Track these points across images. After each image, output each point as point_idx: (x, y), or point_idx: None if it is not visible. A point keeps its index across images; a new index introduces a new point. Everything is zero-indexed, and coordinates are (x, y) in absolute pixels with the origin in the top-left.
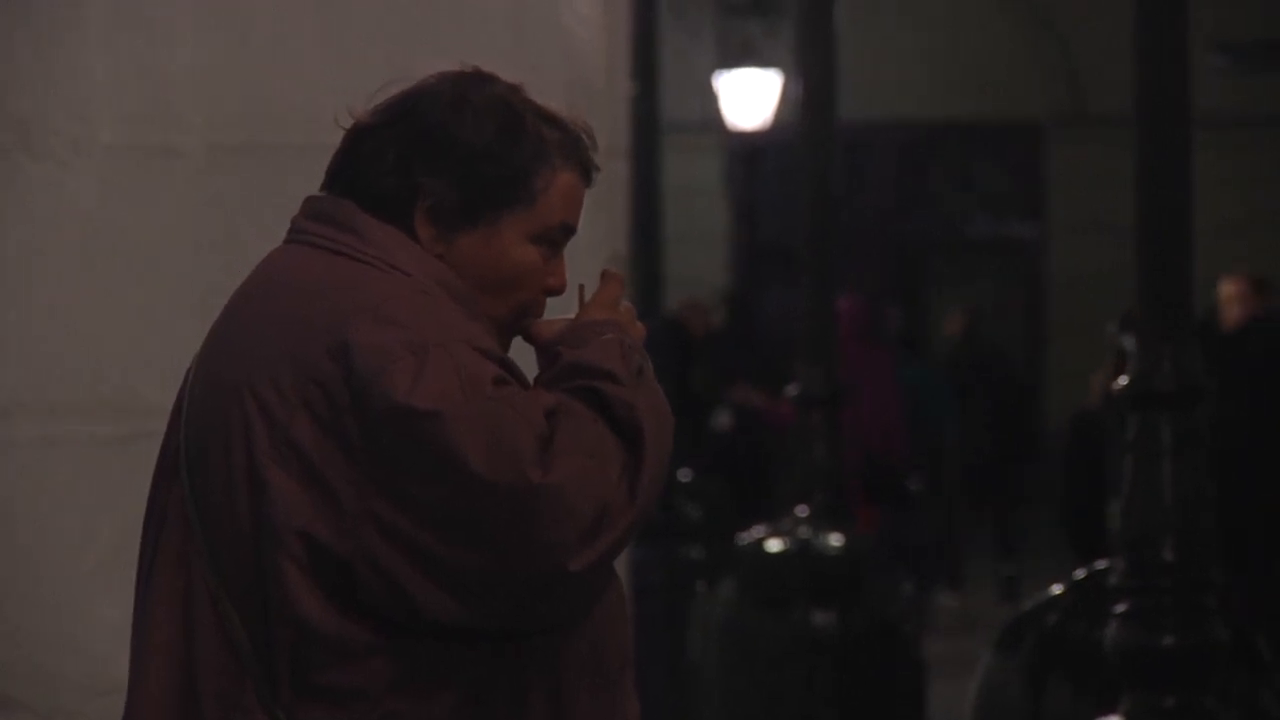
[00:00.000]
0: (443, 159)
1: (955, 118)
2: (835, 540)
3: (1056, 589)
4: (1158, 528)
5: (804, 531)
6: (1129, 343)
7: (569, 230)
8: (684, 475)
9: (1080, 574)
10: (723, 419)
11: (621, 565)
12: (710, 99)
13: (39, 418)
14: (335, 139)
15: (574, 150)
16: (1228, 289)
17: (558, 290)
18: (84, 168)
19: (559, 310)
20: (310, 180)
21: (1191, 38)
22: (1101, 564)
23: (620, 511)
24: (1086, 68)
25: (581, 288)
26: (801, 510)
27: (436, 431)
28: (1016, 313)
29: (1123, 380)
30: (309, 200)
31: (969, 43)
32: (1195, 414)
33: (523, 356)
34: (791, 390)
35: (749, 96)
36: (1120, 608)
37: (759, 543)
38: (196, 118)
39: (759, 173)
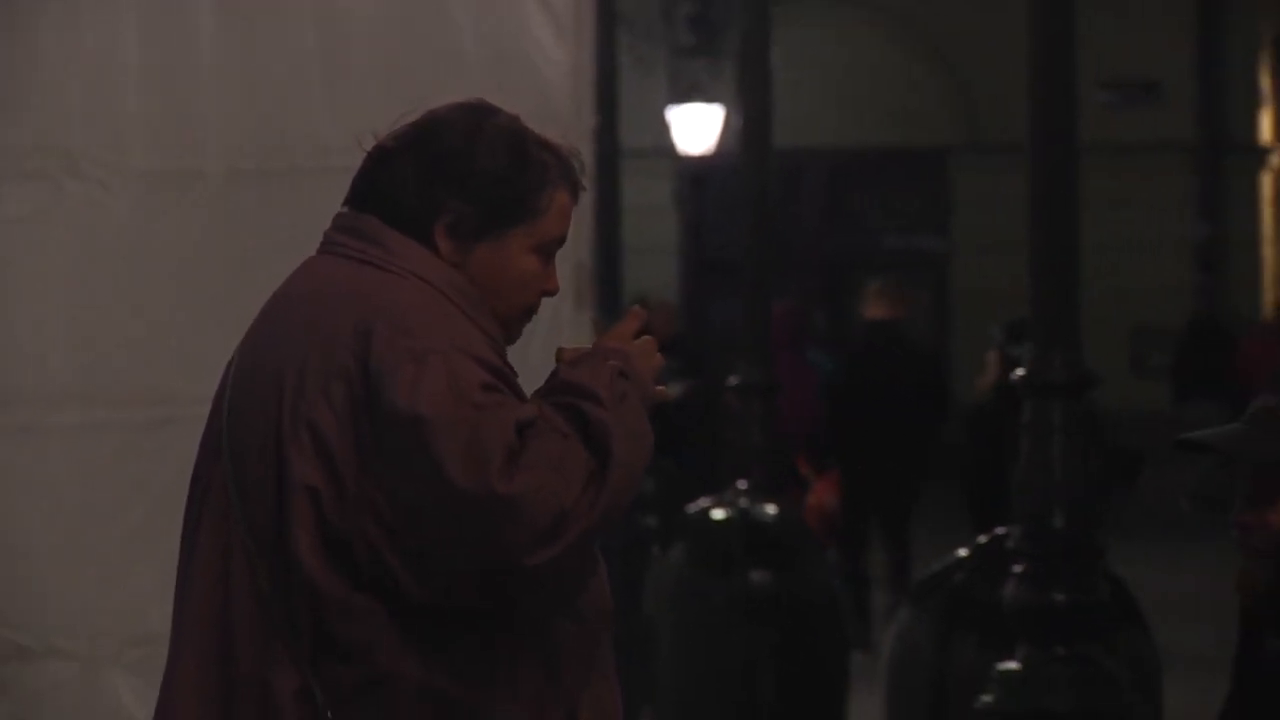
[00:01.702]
0: (461, 183)
1: (874, 146)
2: (770, 510)
3: (962, 552)
4: (1049, 499)
5: (743, 502)
6: (1011, 347)
7: (561, 241)
8: None
9: (983, 539)
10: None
11: None
12: (663, 129)
13: (83, 406)
14: (336, 162)
15: (567, 173)
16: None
17: (553, 293)
18: (120, 189)
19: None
20: (313, 198)
21: (1078, 76)
22: (1001, 530)
23: (579, 518)
24: (986, 102)
25: (596, 321)
26: (741, 484)
27: (423, 435)
28: (925, 318)
29: (1018, 373)
30: (339, 216)
31: (887, 82)
32: (1081, 401)
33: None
34: (732, 381)
35: (696, 127)
36: (1017, 568)
37: (705, 512)
38: (216, 145)
39: (705, 194)
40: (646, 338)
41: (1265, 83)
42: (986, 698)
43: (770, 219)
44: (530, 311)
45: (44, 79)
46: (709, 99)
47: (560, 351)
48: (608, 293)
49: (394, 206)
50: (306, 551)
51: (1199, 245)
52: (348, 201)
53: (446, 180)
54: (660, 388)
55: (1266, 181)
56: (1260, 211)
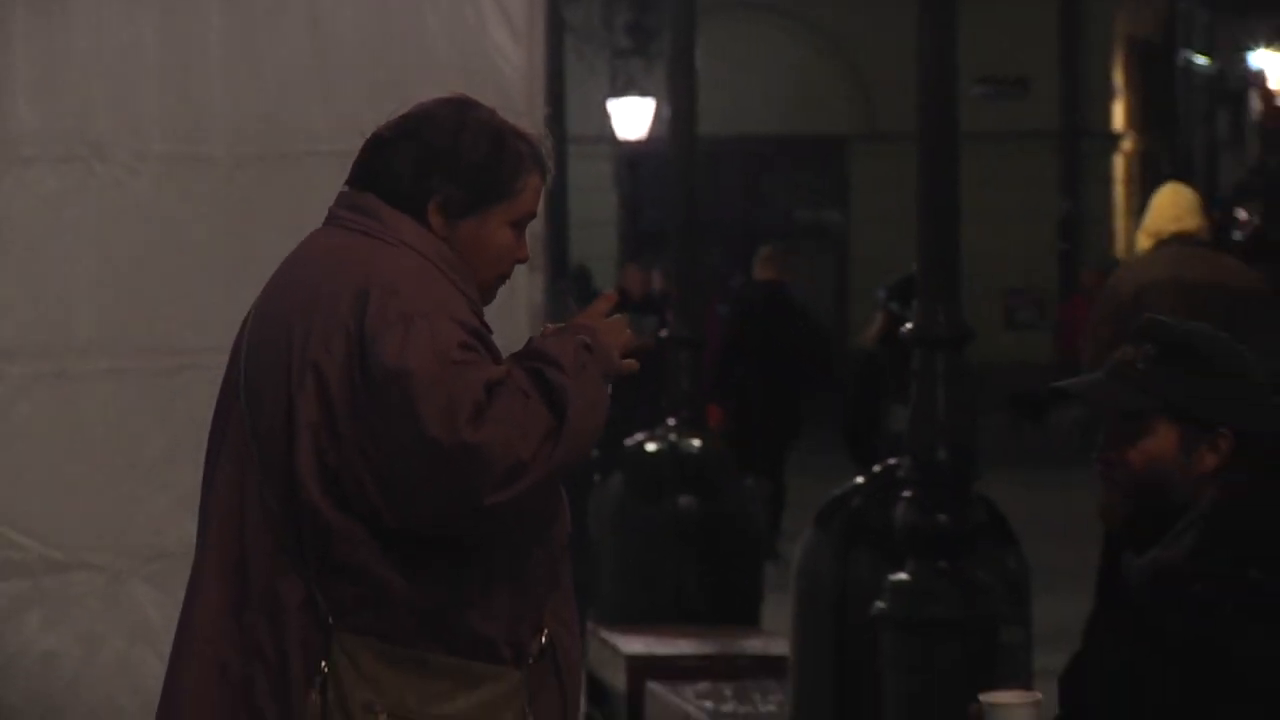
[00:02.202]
0: (450, 169)
1: (784, 134)
2: (695, 444)
3: (860, 480)
4: (933, 435)
5: (673, 437)
6: (892, 303)
7: (533, 216)
8: None
9: (877, 468)
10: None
11: None
12: (604, 119)
13: (108, 356)
14: (325, 148)
15: (538, 159)
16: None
17: (524, 261)
18: (142, 171)
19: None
20: (305, 179)
21: (959, 73)
22: (891, 461)
23: (536, 468)
24: (880, 97)
25: (572, 303)
26: (671, 421)
27: (406, 387)
28: (827, 281)
29: (907, 327)
30: (342, 194)
31: (795, 79)
32: (962, 353)
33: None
34: (663, 334)
35: (632, 117)
36: (906, 494)
37: (640, 445)
38: (223, 133)
39: (639, 174)
40: (617, 317)
41: (1118, 78)
42: (880, 604)
43: (695, 196)
44: (504, 277)
45: (75, 75)
46: (643, 93)
47: (544, 328)
48: (555, 259)
49: (392, 187)
50: (308, 480)
51: (1061, 218)
52: (349, 182)
53: (437, 166)
54: (626, 361)
55: (1119, 163)
56: (1113, 189)
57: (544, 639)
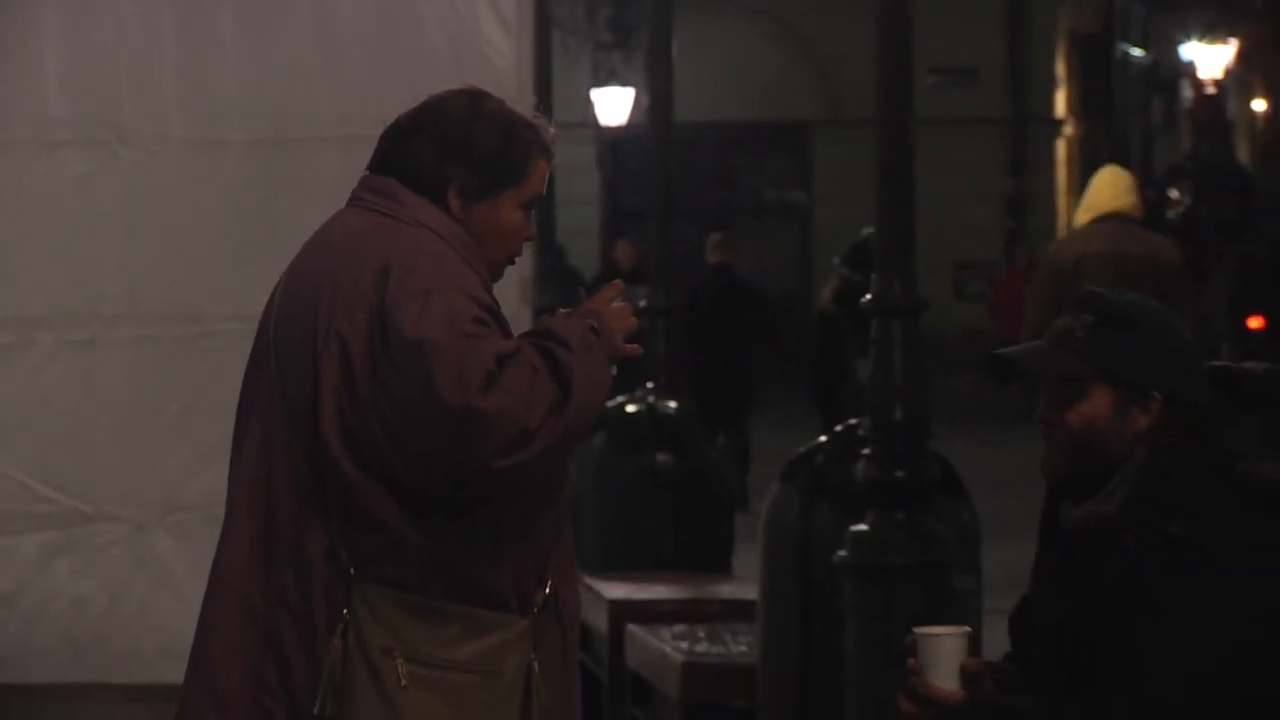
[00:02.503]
0: (466, 156)
1: (753, 120)
2: (671, 405)
3: (823, 438)
4: (891, 396)
5: (651, 399)
6: (845, 269)
7: (540, 198)
8: None
9: (839, 427)
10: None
11: None
12: (587, 107)
13: (133, 324)
14: (329, 133)
15: (544, 145)
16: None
17: (531, 240)
18: (163, 155)
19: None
20: (310, 161)
21: (914, 64)
22: (852, 420)
23: (542, 437)
24: (841, 85)
25: (582, 289)
26: (649, 384)
27: (423, 356)
28: (792, 256)
29: (867, 298)
30: (364, 178)
31: (763, 70)
32: (917, 322)
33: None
34: (641, 303)
35: (613, 105)
36: (866, 451)
37: (620, 406)
38: (237, 119)
39: (620, 157)
40: (622, 304)
41: (1061, 68)
42: (842, 553)
43: (671, 177)
44: (514, 256)
45: (101, 67)
46: (623, 83)
47: (556, 312)
48: (543, 236)
49: (413, 173)
50: (332, 440)
51: (1007, 198)
52: (370, 167)
53: (454, 154)
54: (630, 346)
55: (1061, 147)
56: (1056, 171)
57: (547, 590)
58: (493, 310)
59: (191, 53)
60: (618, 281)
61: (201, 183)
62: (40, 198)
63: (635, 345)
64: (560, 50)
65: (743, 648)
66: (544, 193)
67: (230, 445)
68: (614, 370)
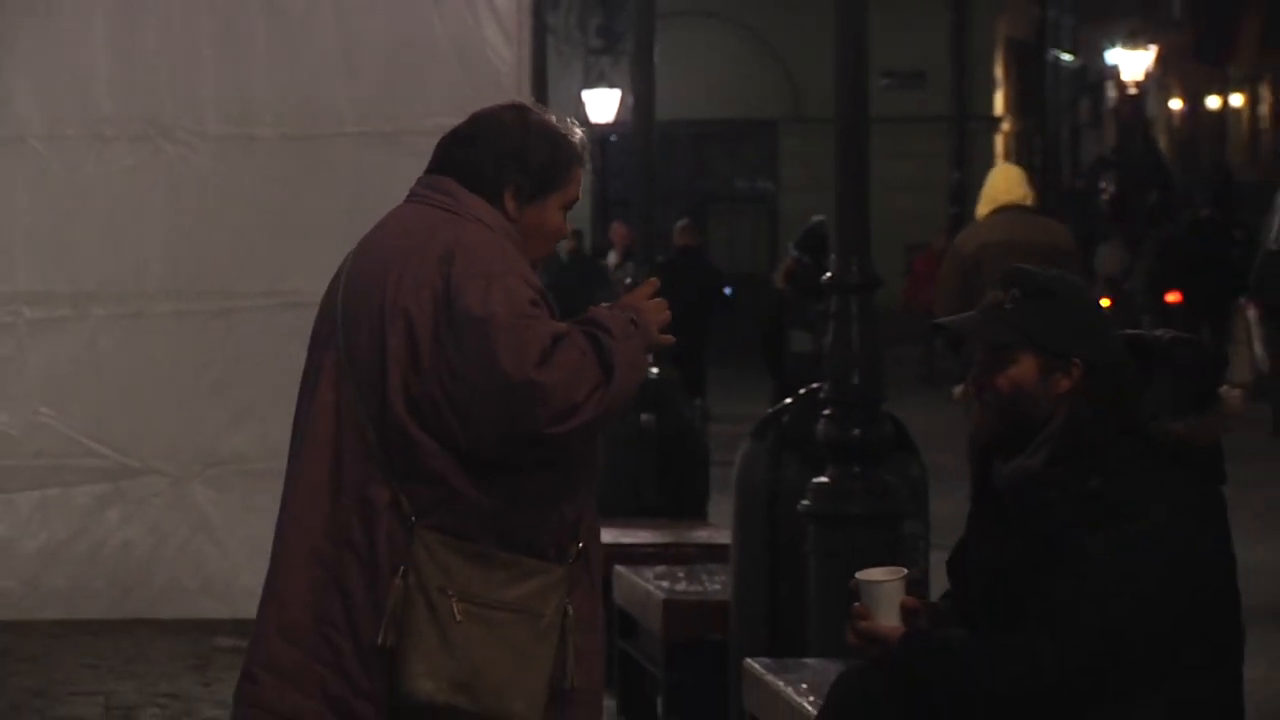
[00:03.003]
0: (522, 163)
1: (726, 117)
2: (654, 370)
3: (789, 400)
4: (849, 363)
5: None
6: (796, 252)
7: (577, 200)
8: None
9: (803, 390)
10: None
11: None
12: (579, 105)
13: (174, 299)
14: (350, 130)
15: (581, 153)
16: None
17: (564, 237)
18: (201, 149)
19: None
20: (335, 155)
21: (869, 67)
22: (815, 385)
23: (586, 412)
24: (804, 87)
25: (626, 283)
26: None
27: (487, 332)
28: (761, 238)
29: (827, 276)
30: (424, 178)
31: (735, 73)
32: (871, 297)
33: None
34: (627, 281)
35: (602, 104)
36: (826, 412)
37: None
38: (269, 117)
39: (608, 152)
40: (659, 299)
41: (999, 71)
42: (805, 502)
43: (653, 169)
44: (550, 254)
45: (146, 69)
46: (611, 85)
47: (600, 305)
48: None
49: (473, 175)
50: (396, 403)
51: (951, 187)
52: (430, 169)
53: (511, 161)
54: (664, 336)
55: (999, 141)
56: (995, 163)
57: (580, 545)
58: (544, 295)
59: (227, 58)
60: (654, 279)
61: (235, 174)
62: (92, 187)
63: (668, 335)
64: (555, 55)
65: (717, 587)
66: (579, 197)
67: (264, 406)
68: (650, 358)
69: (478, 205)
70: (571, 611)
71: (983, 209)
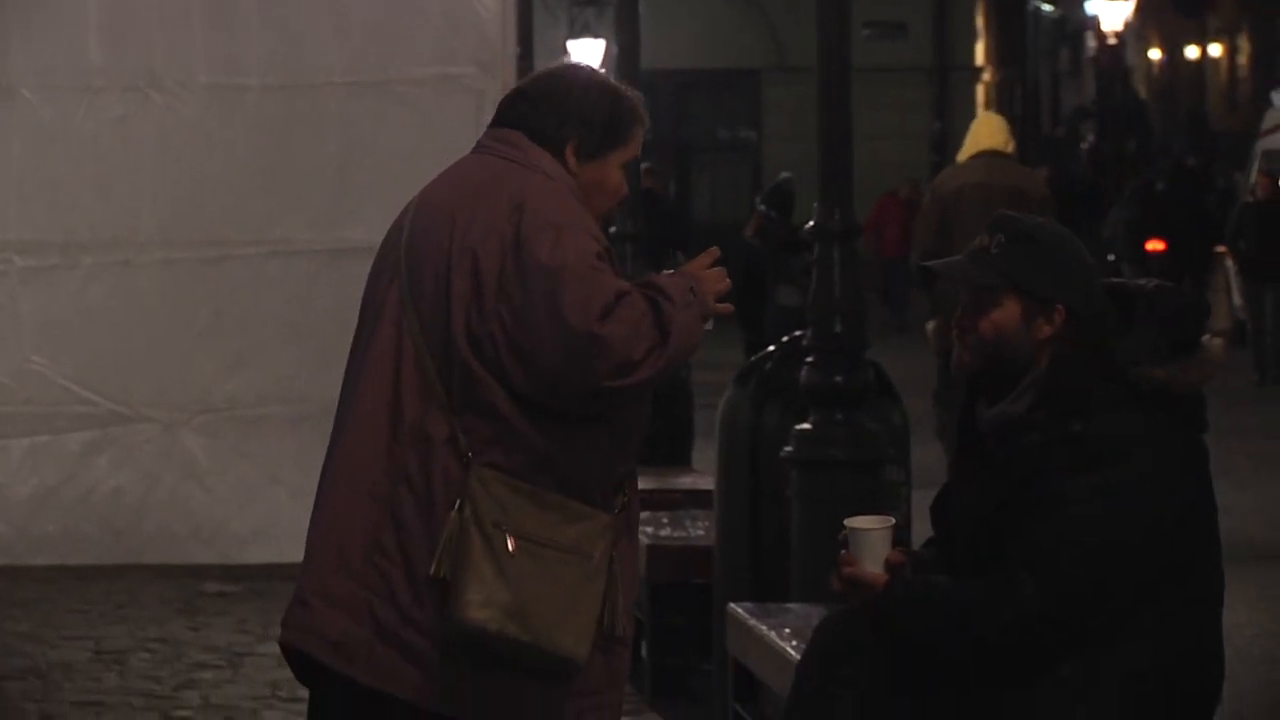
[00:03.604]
0: (583, 119)
1: (710, 67)
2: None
3: (772, 348)
4: (832, 310)
5: None
6: (763, 206)
7: (636, 159)
8: None
9: (787, 338)
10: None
11: None
12: (564, 56)
13: (166, 247)
14: (338, 80)
15: (640, 115)
16: None
17: (624, 197)
18: (190, 99)
19: None
20: (322, 104)
21: (851, 17)
22: (799, 333)
23: (642, 370)
24: (787, 37)
25: (679, 254)
26: None
27: (556, 281)
28: (744, 187)
29: (809, 225)
30: (491, 131)
31: (719, 23)
32: (854, 244)
33: None
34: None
35: (587, 55)
36: (809, 359)
37: None
38: (256, 68)
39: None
40: (718, 269)
41: (980, 21)
42: (788, 449)
43: None
44: (608, 213)
45: (136, 20)
46: (595, 35)
47: (663, 272)
48: None
49: (537, 129)
50: (459, 338)
51: (933, 136)
52: (495, 122)
53: (573, 117)
54: (721, 305)
55: (980, 91)
56: (975, 111)
57: (624, 498)
58: (609, 251)
59: (216, 9)
60: (714, 249)
61: (224, 124)
62: (82, 138)
63: (726, 304)
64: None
65: (701, 532)
66: (639, 155)
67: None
68: (709, 325)
69: (542, 157)
70: (617, 559)
71: (964, 154)
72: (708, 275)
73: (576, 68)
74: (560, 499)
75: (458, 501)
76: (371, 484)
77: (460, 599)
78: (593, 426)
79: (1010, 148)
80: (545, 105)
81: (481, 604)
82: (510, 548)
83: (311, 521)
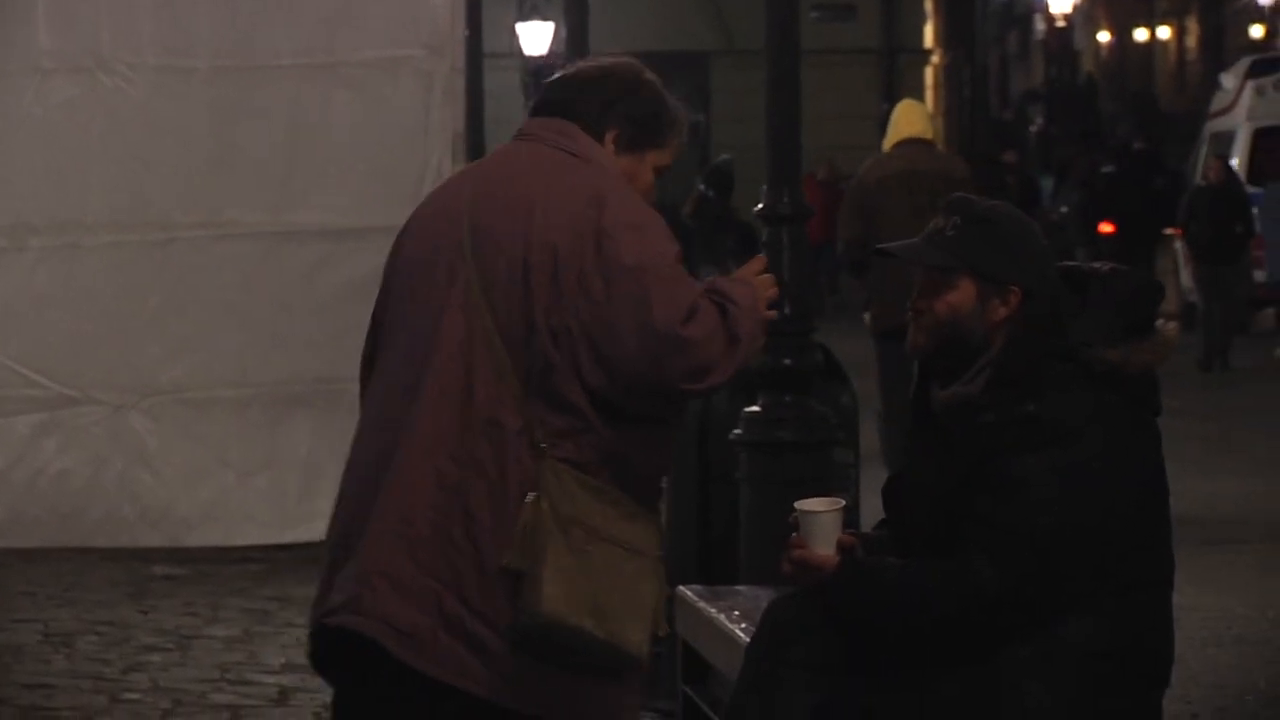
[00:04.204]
0: (628, 112)
1: (658, 50)
2: None
3: None
4: (780, 294)
5: None
6: (702, 186)
7: (668, 169)
8: None
9: None
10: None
11: None
12: (513, 38)
13: (114, 230)
14: (286, 62)
15: (682, 127)
16: None
17: (652, 200)
18: (139, 80)
19: None
20: (271, 87)
21: (799, 1)
22: None
23: (716, 375)
24: (736, 19)
25: (732, 265)
26: None
27: (642, 280)
28: (692, 169)
29: (758, 207)
30: (539, 120)
31: (666, 5)
32: (802, 227)
33: None
34: None
35: (536, 37)
36: None
37: None
38: (205, 50)
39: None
40: (768, 275)
41: (928, 4)
42: (738, 431)
43: None
44: None
45: (84, 2)
46: (544, 17)
47: (717, 276)
48: (474, 150)
49: (582, 117)
50: (542, 331)
51: (881, 118)
52: (537, 110)
53: (618, 109)
54: (770, 311)
55: (929, 74)
56: (924, 95)
57: (659, 499)
58: (680, 253)
59: None
60: (762, 256)
61: (172, 106)
62: (31, 120)
63: (773, 311)
64: None
65: None
66: (670, 166)
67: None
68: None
69: (594, 148)
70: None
71: (887, 143)
72: (760, 282)
73: (624, 64)
74: (621, 495)
75: (532, 494)
76: (440, 472)
77: (538, 591)
78: (655, 426)
79: (931, 134)
80: (591, 92)
81: (562, 597)
82: (584, 542)
83: (357, 499)
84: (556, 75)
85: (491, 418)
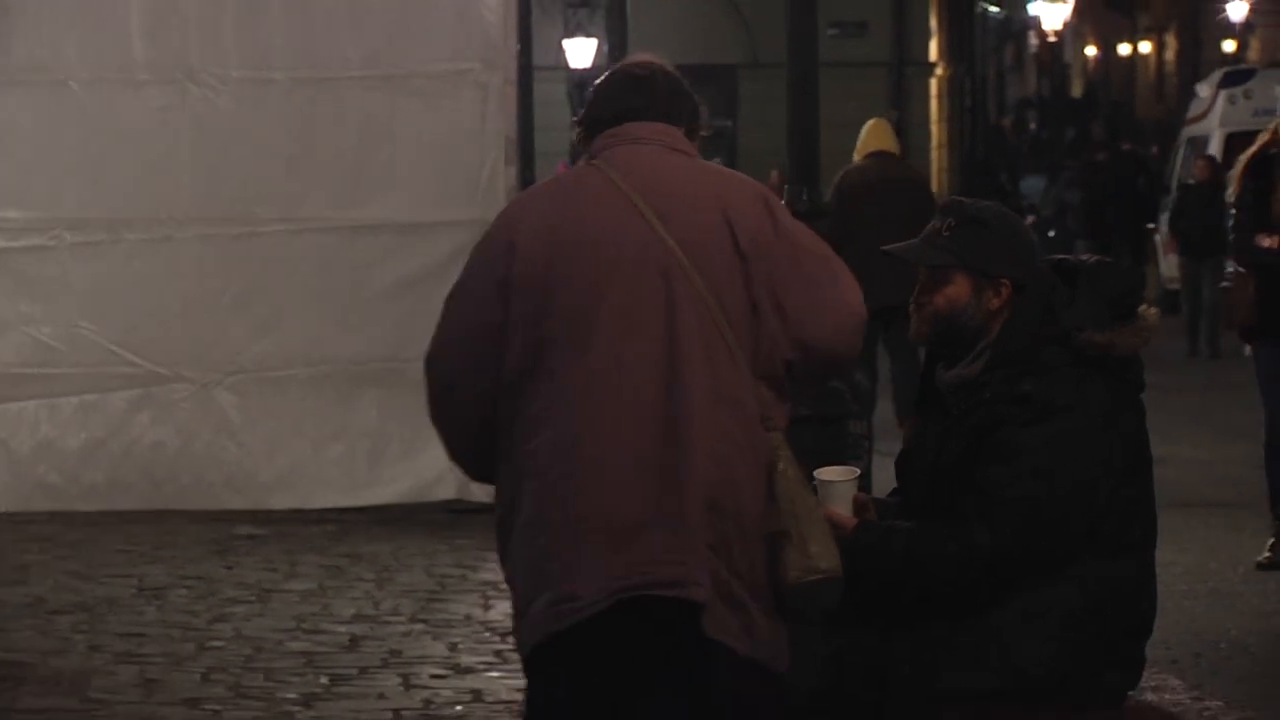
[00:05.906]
0: (691, 109)
1: (690, 63)
2: None
3: None
4: None
5: None
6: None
7: None
8: None
9: None
10: None
11: None
12: (559, 53)
13: (201, 224)
14: (355, 73)
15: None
16: None
17: None
18: (225, 92)
19: None
20: (342, 97)
21: (818, 18)
22: None
23: (855, 354)
24: (761, 35)
25: None
26: None
27: (831, 268)
28: None
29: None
30: (644, 125)
31: (698, 21)
32: (821, 222)
33: None
34: None
35: (580, 52)
36: None
37: None
38: (283, 62)
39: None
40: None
41: (934, 21)
42: None
43: None
44: None
45: (175, 19)
46: (588, 35)
47: None
48: (524, 154)
49: (661, 116)
50: (768, 319)
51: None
52: (636, 114)
53: (684, 106)
54: None
55: (933, 84)
56: (929, 103)
57: None
58: None
59: (246, 9)
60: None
61: (253, 114)
62: (127, 126)
63: None
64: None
65: None
66: None
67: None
68: None
69: (693, 149)
70: None
71: (857, 156)
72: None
73: (664, 68)
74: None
75: (780, 463)
76: (710, 450)
77: (805, 550)
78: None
79: (895, 147)
80: (673, 95)
81: (826, 555)
82: (818, 505)
83: (624, 486)
84: (633, 77)
85: (734, 397)
